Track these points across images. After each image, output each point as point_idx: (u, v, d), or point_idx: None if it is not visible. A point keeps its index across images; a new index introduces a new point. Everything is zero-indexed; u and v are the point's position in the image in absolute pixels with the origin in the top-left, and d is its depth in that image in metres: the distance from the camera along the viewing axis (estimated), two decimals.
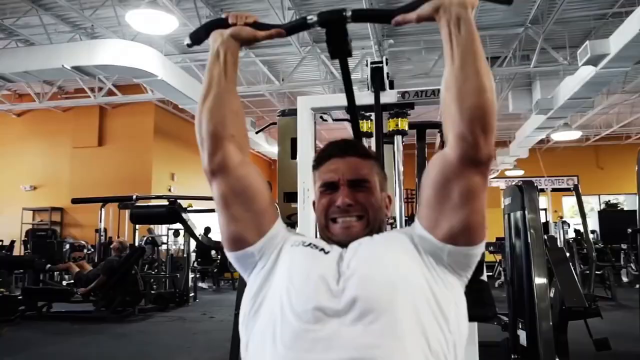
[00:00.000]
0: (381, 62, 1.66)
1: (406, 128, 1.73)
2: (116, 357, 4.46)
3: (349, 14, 1.01)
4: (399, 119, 1.70)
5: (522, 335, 2.77)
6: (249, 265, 1.06)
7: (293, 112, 4.39)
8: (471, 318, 1.24)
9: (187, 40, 1.12)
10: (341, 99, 1.71)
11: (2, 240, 8.11)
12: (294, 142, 4.19)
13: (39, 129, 11.57)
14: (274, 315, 0.93)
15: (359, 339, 0.85)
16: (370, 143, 1.84)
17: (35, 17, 7.55)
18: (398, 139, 1.74)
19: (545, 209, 13.33)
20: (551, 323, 2.51)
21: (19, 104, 11.05)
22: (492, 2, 1.01)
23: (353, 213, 1.05)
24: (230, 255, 1.08)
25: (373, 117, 1.76)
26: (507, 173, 14.88)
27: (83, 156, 11.14)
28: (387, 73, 1.69)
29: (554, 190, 9.65)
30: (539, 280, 2.60)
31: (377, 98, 1.63)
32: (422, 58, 9.19)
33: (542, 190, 8.43)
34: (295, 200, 4.31)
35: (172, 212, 2.46)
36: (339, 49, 1.05)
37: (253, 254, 1.05)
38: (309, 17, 1.04)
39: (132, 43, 6.90)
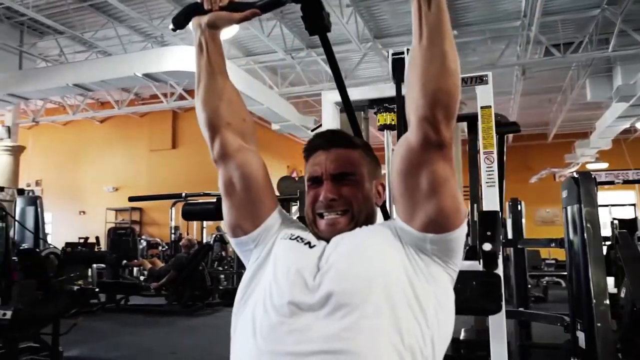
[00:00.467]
0: (402, 52, 1.62)
1: None
2: (183, 348, 4.69)
3: None
4: None
5: (582, 336, 2.60)
6: (247, 253, 1.09)
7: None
8: (475, 311, 1.19)
9: (171, 25, 1.14)
10: (362, 93, 1.70)
11: (85, 238, 8.81)
12: None
13: (119, 134, 12.38)
14: (257, 307, 0.95)
15: (329, 332, 0.85)
16: (393, 136, 1.80)
17: (111, 29, 8.09)
18: None
19: (634, 205, 12.34)
20: (606, 324, 2.34)
21: (101, 111, 11.86)
22: None
23: (337, 208, 1.03)
24: (232, 242, 1.12)
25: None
26: (589, 166, 13.95)
27: (159, 158, 11.78)
28: None
29: (625, 182, 8.86)
30: (597, 279, 2.43)
31: (398, 89, 1.59)
32: (488, 48, 8.83)
33: (611, 182, 7.71)
34: None
35: (219, 208, 2.53)
36: (316, 24, 1.03)
37: (248, 243, 1.08)
38: None
39: None
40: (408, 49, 1.64)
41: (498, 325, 1.44)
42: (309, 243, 1.01)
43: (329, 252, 0.98)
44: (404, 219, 0.96)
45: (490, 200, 1.52)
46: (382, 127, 1.62)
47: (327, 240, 1.02)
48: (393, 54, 1.62)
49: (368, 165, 1.09)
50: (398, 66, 1.60)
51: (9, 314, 3.03)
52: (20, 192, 9.71)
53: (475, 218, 3.16)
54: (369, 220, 1.06)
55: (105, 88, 8.29)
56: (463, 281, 1.18)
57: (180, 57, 6.97)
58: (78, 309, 5.96)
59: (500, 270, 1.22)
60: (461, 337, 2.48)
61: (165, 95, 10.62)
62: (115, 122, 12.46)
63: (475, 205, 3.15)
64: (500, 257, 1.22)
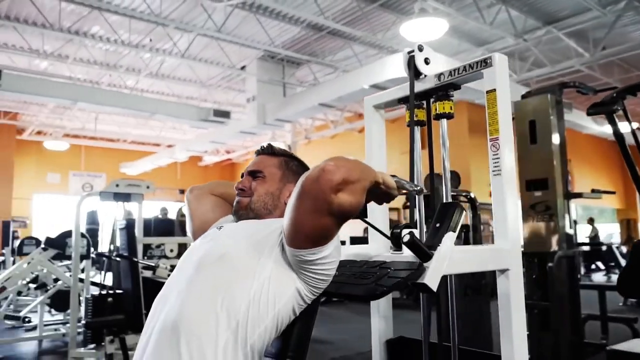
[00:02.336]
0: (413, 50, 1.62)
1: (451, 111, 1.60)
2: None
3: None
4: (437, 102, 1.59)
5: None
6: None
7: (540, 91, 4.06)
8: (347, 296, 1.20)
9: None
10: (397, 92, 1.75)
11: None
12: (532, 125, 3.89)
13: None
14: None
15: (182, 288, 1.13)
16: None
17: (348, 49, 9.05)
18: (443, 123, 1.62)
19: None
20: None
21: (356, 122, 13.17)
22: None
23: (243, 195, 1.32)
24: None
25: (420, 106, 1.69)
26: None
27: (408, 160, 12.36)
28: (426, 58, 1.62)
29: None
30: None
31: (411, 87, 1.60)
32: None
33: None
34: (539, 188, 3.96)
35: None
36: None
37: None
38: None
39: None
40: (420, 46, 1.64)
41: (506, 324, 1.36)
42: (221, 227, 1.30)
43: (222, 231, 1.26)
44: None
45: (496, 190, 1.40)
46: (437, 117, 1.66)
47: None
48: (407, 52, 1.64)
49: (282, 169, 1.35)
50: (410, 63, 1.61)
51: None
52: None
53: None
54: (268, 209, 1.30)
55: (342, 103, 9.24)
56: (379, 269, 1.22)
57: (398, 64, 7.35)
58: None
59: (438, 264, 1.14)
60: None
61: None
62: None
63: None
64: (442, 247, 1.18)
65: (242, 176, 1.38)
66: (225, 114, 9.49)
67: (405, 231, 1.20)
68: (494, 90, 1.44)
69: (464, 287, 3.47)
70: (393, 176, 1.26)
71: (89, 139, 15.00)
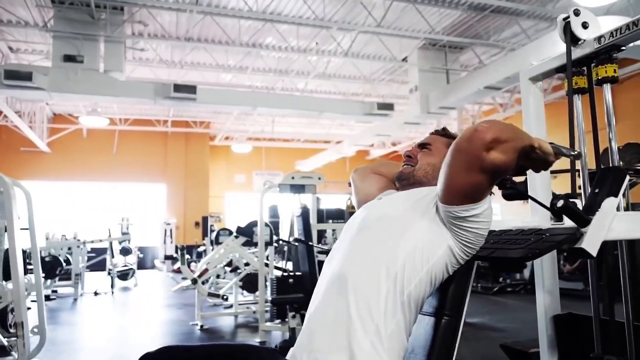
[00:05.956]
0: (568, 16, 1.53)
1: (615, 74, 1.46)
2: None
3: None
4: (599, 67, 1.46)
5: None
6: None
7: None
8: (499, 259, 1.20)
9: None
10: (553, 62, 1.68)
11: None
12: None
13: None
14: None
15: (344, 251, 1.29)
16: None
17: (516, 26, 8.52)
18: (606, 88, 1.48)
19: None
20: None
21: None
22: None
23: (408, 162, 1.45)
24: None
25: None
26: None
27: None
28: (584, 22, 1.51)
29: None
30: None
31: (568, 54, 1.51)
32: None
33: None
34: None
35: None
36: None
37: None
38: None
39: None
40: (575, 10, 1.56)
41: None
42: (380, 198, 1.46)
43: (381, 201, 1.42)
44: None
45: None
46: (600, 82, 1.59)
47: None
48: (563, 18, 1.56)
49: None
50: (566, 29, 1.54)
51: None
52: None
53: None
54: (428, 179, 1.40)
55: (510, 84, 8.63)
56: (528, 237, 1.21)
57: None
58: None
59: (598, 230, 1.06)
60: None
61: None
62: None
63: None
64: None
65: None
66: (389, 107, 9.66)
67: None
68: None
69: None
70: (551, 143, 1.22)
71: (268, 141, 16.50)
